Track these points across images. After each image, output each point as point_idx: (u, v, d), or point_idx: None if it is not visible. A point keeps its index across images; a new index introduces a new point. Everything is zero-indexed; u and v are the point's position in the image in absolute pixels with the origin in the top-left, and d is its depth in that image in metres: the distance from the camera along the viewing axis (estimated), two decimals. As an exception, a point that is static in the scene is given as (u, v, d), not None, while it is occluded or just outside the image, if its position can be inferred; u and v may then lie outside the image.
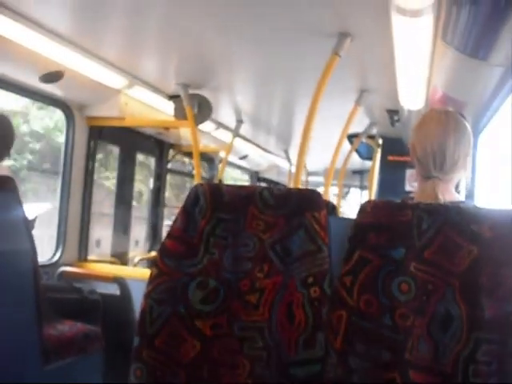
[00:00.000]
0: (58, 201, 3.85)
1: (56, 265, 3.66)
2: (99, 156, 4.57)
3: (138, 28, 2.90)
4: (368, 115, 4.57)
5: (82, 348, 2.59)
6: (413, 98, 3.46)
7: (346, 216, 7.21)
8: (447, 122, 1.57)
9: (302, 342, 1.23)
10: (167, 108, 4.31)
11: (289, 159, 6.98)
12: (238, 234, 1.28)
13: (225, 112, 4.77)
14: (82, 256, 4.01)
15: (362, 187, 7.83)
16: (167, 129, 4.59)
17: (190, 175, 6.02)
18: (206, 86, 3.93)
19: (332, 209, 3.06)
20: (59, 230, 3.84)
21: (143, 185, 5.98)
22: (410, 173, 5.15)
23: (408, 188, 5.18)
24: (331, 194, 6.02)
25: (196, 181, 4.19)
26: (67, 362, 2.49)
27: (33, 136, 6.23)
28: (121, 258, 4.59)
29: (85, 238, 4.03)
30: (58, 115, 4.38)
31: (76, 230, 3.95)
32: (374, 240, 1.20)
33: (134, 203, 5.06)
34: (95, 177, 4.18)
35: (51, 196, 4.24)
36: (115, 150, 4.78)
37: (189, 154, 5.23)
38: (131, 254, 4.86)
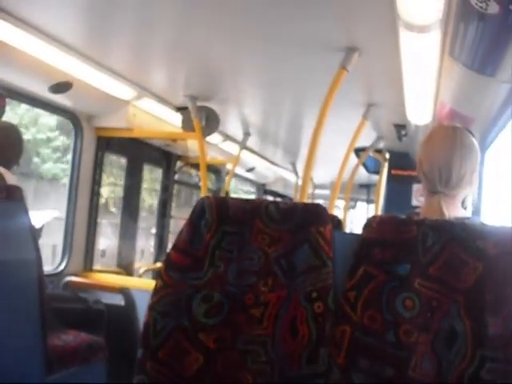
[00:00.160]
0: (65, 211, 3.87)
1: (61, 274, 3.67)
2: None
3: (147, 40, 2.93)
4: (375, 129, 4.57)
5: (85, 358, 2.59)
6: (420, 112, 3.46)
7: (351, 230, 7.19)
8: (454, 138, 1.56)
9: (305, 356, 1.22)
10: (175, 120, 4.33)
11: (296, 172, 6.98)
12: (243, 247, 1.28)
13: (232, 124, 4.78)
14: (88, 266, 4.02)
15: (369, 201, 7.82)
16: (175, 140, 4.60)
17: (197, 187, 6.03)
18: (213, 99, 3.95)
19: (337, 223, 3.05)
20: (65, 240, 3.85)
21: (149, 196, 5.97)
22: (416, 187, 5.15)
23: (414, 203, 5.18)
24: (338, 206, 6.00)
25: (202, 193, 4.19)
26: (70, 372, 2.48)
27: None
28: (126, 268, 4.59)
29: (90, 247, 4.04)
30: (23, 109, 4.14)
31: (82, 239, 3.96)
32: (379, 255, 1.20)
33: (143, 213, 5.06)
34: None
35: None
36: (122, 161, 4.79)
37: (196, 166, 5.24)
38: (137, 264, 4.87)
